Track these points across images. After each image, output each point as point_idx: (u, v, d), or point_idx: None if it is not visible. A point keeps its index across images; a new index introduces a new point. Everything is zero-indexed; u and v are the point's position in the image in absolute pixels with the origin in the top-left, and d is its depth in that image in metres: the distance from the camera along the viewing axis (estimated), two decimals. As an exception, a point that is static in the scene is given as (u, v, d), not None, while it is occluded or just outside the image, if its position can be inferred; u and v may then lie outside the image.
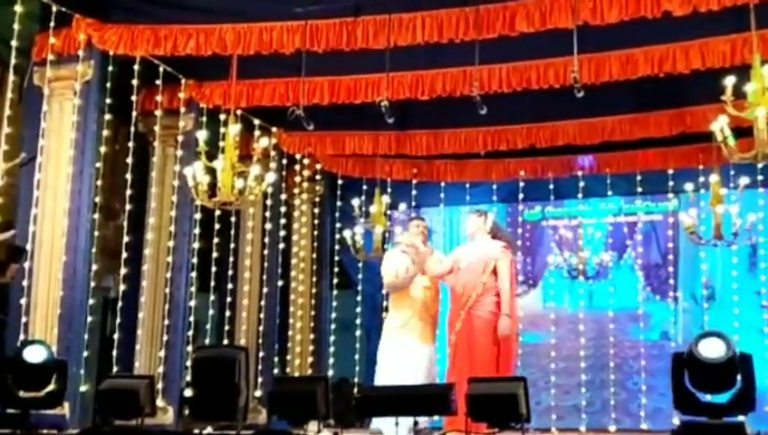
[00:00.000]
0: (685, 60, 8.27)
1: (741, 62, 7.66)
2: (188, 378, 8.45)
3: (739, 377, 6.09)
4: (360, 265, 12.01)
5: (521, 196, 12.01)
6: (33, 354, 6.84)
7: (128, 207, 8.88)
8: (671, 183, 11.28)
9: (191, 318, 9.51)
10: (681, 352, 6.43)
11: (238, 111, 9.05)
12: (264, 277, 10.81)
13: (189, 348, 9.25)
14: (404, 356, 7.86)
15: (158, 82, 9.09)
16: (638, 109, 9.99)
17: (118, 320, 8.79)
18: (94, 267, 8.38)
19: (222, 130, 8.65)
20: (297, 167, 11.64)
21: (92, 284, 8.36)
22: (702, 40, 8.19)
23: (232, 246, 10.45)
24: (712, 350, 6.11)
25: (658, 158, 11.10)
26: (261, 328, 10.66)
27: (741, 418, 6.19)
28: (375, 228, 10.76)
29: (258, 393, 10.20)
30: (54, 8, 8.03)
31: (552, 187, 11.82)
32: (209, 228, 9.94)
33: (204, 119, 9.45)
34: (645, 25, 7.64)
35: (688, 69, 8.27)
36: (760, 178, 10.52)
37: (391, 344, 7.98)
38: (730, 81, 6.56)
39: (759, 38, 7.37)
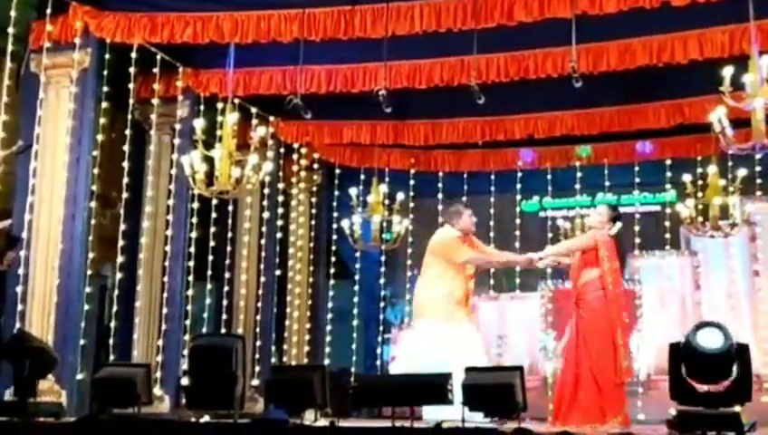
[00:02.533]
0: (683, 50, 8.26)
1: (739, 52, 7.65)
2: (185, 367, 8.44)
3: (735, 367, 6.08)
4: (358, 254, 12.01)
5: (518, 186, 12.00)
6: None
7: (124, 195, 8.86)
8: (669, 174, 11.27)
9: (188, 307, 9.50)
10: (678, 342, 6.43)
11: (236, 100, 9.04)
12: (262, 266, 10.81)
13: (186, 337, 9.23)
14: (466, 340, 7.82)
15: (155, 69, 9.06)
16: (636, 99, 9.98)
17: (114, 308, 8.77)
18: (91, 256, 8.37)
19: (219, 118, 8.63)
20: (295, 156, 11.63)
21: (89, 272, 8.35)
22: (700, 30, 8.18)
23: (229, 235, 10.44)
24: (710, 340, 6.11)
25: (656, 148, 11.09)
26: (258, 317, 10.66)
27: (737, 408, 6.20)
28: (372, 218, 10.75)
29: (255, 382, 10.21)
30: (51, -5, 8.02)
31: (549, 177, 11.81)
32: (206, 217, 9.93)
33: (201, 107, 9.43)
34: (643, 15, 7.63)
35: (686, 59, 8.26)
36: (758, 169, 10.51)
37: (444, 325, 7.83)
38: (728, 71, 6.55)
39: (757, 28, 7.36)
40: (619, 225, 8.10)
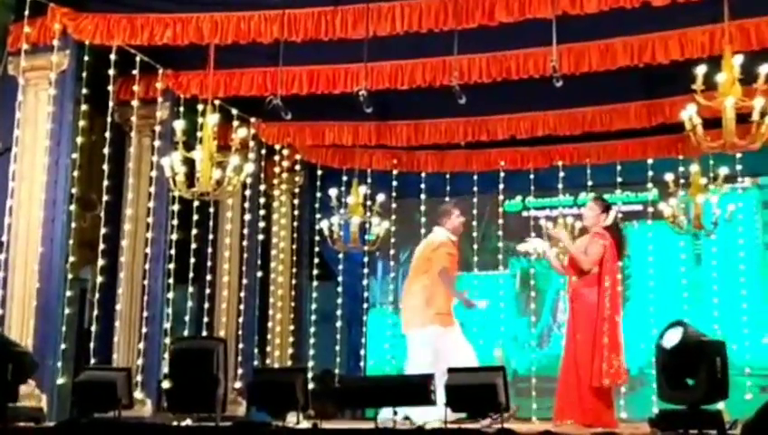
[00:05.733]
0: (664, 50, 8.28)
1: (720, 52, 7.65)
2: (166, 370, 8.39)
3: (708, 365, 6.08)
4: (341, 256, 11.99)
5: (501, 186, 12.01)
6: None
7: (104, 198, 8.79)
8: (651, 173, 11.29)
9: (169, 310, 9.44)
10: (658, 343, 6.47)
11: (216, 101, 8.99)
12: (244, 268, 10.77)
13: (167, 340, 9.18)
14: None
15: (135, 71, 8.99)
16: (617, 99, 10.00)
17: (95, 312, 8.71)
18: (71, 259, 8.30)
19: (200, 120, 8.58)
20: (276, 157, 11.59)
21: (69, 275, 8.29)
22: (681, 30, 8.20)
23: (210, 237, 10.38)
24: (670, 338, 6.16)
25: (638, 148, 11.12)
26: (240, 320, 10.62)
27: (719, 406, 6.22)
28: (352, 219, 10.73)
29: (238, 385, 10.17)
30: (29, -3, 7.96)
31: (532, 177, 11.83)
32: (187, 219, 9.87)
33: (181, 109, 9.38)
34: (624, 15, 7.63)
35: (667, 59, 8.28)
36: (739, 167, 10.56)
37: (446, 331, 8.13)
38: (701, 70, 6.59)
39: (735, 28, 7.40)
40: (612, 213, 8.15)
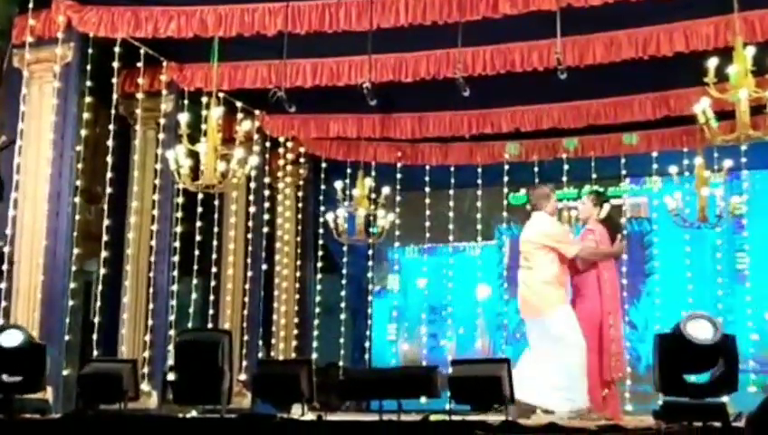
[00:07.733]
0: (668, 42, 8.27)
1: (724, 44, 7.67)
2: (171, 362, 8.42)
3: (722, 358, 6.12)
4: (345, 248, 11.99)
5: (506, 179, 11.99)
6: (9, 339, 6.80)
7: (109, 190, 8.81)
8: (655, 166, 11.29)
9: (174, 302, 9.46)
10: (665, 333, 6.46)
11: (220, 94, 9.00)
12: (248, 261, 10.78)
13: (173, 332, 9.20)
14: None
15: (139, 64, 9.02)
16: (622, 92, 9.98)
17: (99, 304, 8.73)
18: (75, 251, 8.32)
19: (204, 112, 8.58)
20: (280, 150, 11.59)
21: (74, 268, 8.30)
22: (685, 22, 8.19)
23: (215, 229, 10.40)
24: (701, 331, 6.13)
25: (643, 141, 11.10)
26: (245, 312, 10.64)
27: (724, 398, 6.23)
28: (358, 211, 10.73)
29: (242, 377, 10.19)
30: (34, -11, 7.96)
31: (536, 170, 11.81)
32: (192, 212, 9.88)
33: (185, 101, 9.38)
34: (628, 8, 7.63)
35: (672, 51, 8.27)
36: (743, 160, 10.54)
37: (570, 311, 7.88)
38: (712, 63, 6.57)
39: (741, 20, 7.37)
40: (607, 206, 8.17)
